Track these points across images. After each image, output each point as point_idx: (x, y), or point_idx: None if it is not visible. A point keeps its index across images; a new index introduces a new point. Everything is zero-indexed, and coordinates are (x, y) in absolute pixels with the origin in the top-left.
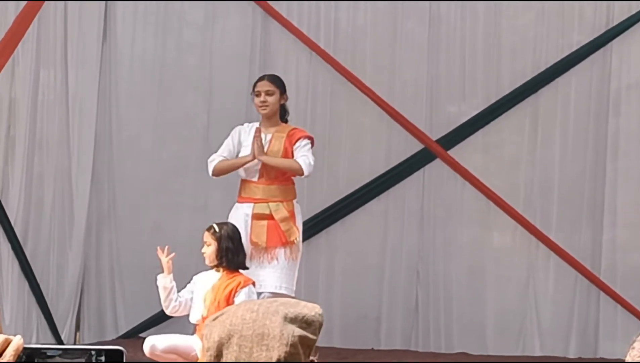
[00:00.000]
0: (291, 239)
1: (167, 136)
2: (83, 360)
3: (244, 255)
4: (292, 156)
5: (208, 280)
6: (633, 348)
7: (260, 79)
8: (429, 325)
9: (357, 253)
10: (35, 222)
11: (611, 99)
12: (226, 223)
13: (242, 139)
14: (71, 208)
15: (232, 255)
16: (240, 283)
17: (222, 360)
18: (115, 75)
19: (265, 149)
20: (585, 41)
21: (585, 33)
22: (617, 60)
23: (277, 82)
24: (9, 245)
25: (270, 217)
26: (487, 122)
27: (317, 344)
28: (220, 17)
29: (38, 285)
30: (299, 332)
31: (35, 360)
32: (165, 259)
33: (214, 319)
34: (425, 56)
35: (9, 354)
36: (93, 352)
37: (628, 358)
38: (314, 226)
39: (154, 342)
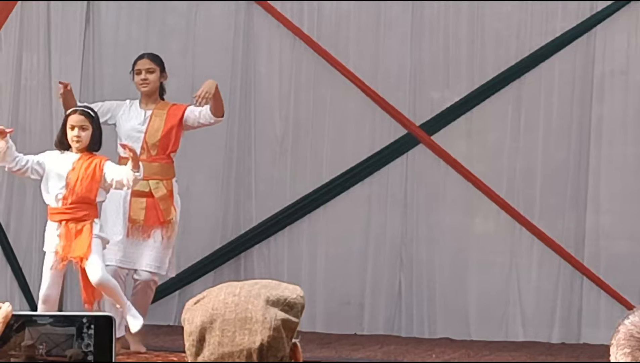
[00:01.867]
0: (168, 218)
1: None
2: (73, 327)
3: None
4: (176, 133)
5: (64, 161)
6: (618, 331)
7: (140, 57)
8: (412, 311)
9: (340, 239)
10: (18, 206)
11: (595, 85)
12: (92, 108)
13: (120, 113)
14: None
15: (100, 139)
16: (101, 159)
17: (204, 345)
18: (99, 60)
19: (146, 126)
20: (569, 27)
21: (569, 19)
22: (601, 46)
23: (157, 61)
24: None
25: (149, 195)
26: (471, 108)
27: (300, 329)
28: (203, 3)
29: (20, 269)
30: (281, 315)
31: (26, 328)
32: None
33: (195, 302)
34: (409, 42)
35: None
36: (84, 320)
37: (613, 342)
38: (297, 212)
39: (44, 295)
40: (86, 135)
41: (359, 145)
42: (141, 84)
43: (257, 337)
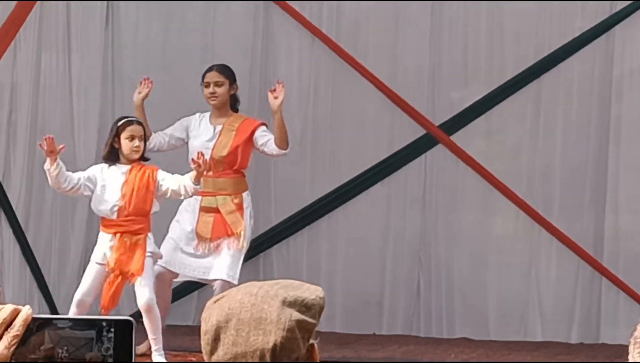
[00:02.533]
0: (237, 231)
1: (170, 120)
2: (93, 331)
3: None
4: (243, 150)
5: (115, 173)
6: (635, 329)
7: (209, 69)
8: (431, 311)
9: (359, 239)
10: (37, 207)
11: (614, 85)
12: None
13: (190, 129)
14: None
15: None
16: (152, 169)
17: (219, 344)
18: (119, 59)
19: (214, 142)
20: (588, 27)
21: (588, 18)
22: (620, 46)
23: (226, 73)
24: (11, 230)
25: (217, 210)
26: (490, 108)
27: (319, 329)
28: (222, 3)
29: (39, 270)
30: (296, 316)
31: (45, 331)
32: (49, 149)
33: (215, 302)
34: (428, 41)
35: (18, 324)
36: (104, 323)
37: (631, 340)
38: (316, 212)
39: (80, 294)
40: (142, 145)
41: (378, 145)
42: (209, 98)
43: (270, 337)
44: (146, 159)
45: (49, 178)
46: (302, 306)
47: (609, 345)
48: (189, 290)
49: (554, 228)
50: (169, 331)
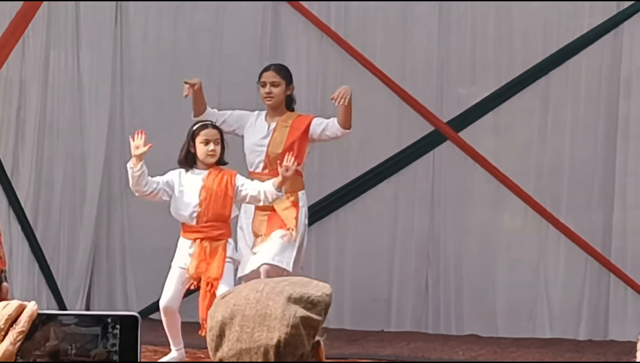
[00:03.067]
0: (290, 226)
1: (179, 119)
2: (99, 327)
3: None
4: (299, 146)
5: (193, 178)
6: None
7: (266, 69)
8: (439, 308)
9: (368, 236)
10: (46, 204)
11: (622, 82)
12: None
13: (247, 126)
14: (82, 190)
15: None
16: (231, 174)
17: (223, 340)
18: (127, 58)
19: (269, 139)
20: (596, 24)
21: (596, 16)
22: (628, 42)
23: (283, 73)
24: (19, 227)
25: (272, 209)
26: (498, 105)
27: (328, 326)
28: (231, 1)
29: (48, 266)
30: (301, 312)
31: (51, 327)
32: (135, 143)
33: (222, 298)
34: (436, 38)
35: (23, 320)
36: (109, 319)
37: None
38: (325, 209)
39: (167, 300)
40: (219, 149)
41: (386, 142)
42: (265, 98)
43: (274, 334)
44: (224, 164)
45: (130, 179)
46: (308, 303)
47: (618, 341)
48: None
49: (562, 224)
50: None
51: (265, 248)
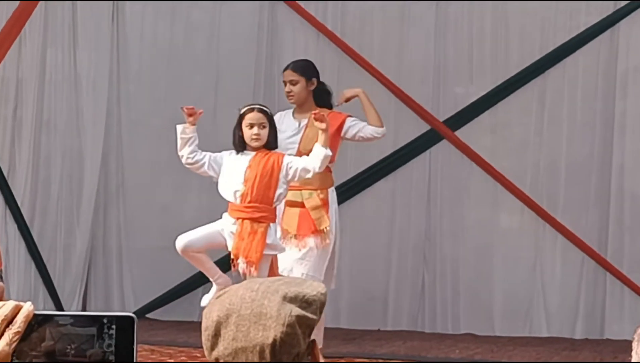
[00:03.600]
0: (321, 227)
1: (176, 117)
2: (94, 327)
3: None
4: (332, 143)
5: (242, 160)
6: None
7: (286, 68)
8: (436, 306)
9: (364, 235)
10: (42, 203)
11: (618, 81)
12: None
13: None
14: (79, 188)
15: (276, 137)
16: (278, 156)
17: (219, 340)
18: (124, 56)
19: (301, 136)
20: (592, 22)
21: (593, 14)
22: (625, 41)
23: (300, 70)
24: (16, 226)
25: (302, 205)
26: (494, 103)
27: (325, 325)
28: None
29: (44, 266)
30: (297, 311)
31: (47, 327)
32: (189, 112)
33: (217, 297)
34: (433, 37)
35: (19, 321)
36: (105, 320)
37: (635, 337)
38: None
39: (188, 240)
40: (265, 133)
41: (383, 141)
42: (288, 97)
43: (270, 333)
44: (274, 147)
45: (179, 141)
46: (303, 302)
47: (614, 340)
48: (193, 286)
49: (559, 223)
50: (174, 327)
51: (299, 263)
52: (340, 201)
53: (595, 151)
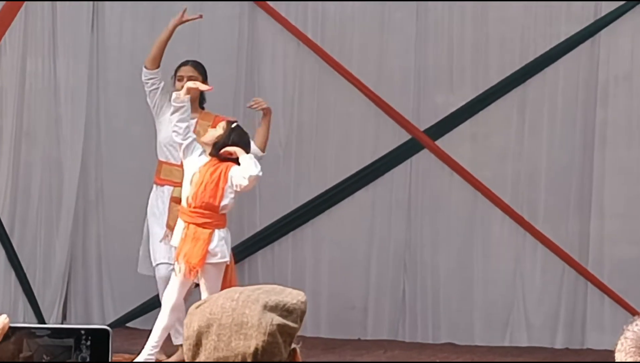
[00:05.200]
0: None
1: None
2: (72, 339)
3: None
4: None
5: (196, 163)
6: (626, 337)
7: (184, 64)
8: (416, 316)
9: (344, 244)
10: (22, 211)
11: (599, 90)
12: (244, 133)
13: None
14: (59, 197)
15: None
16: (228, 166)
17: (201, 349)
18: (104, 64)
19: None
20: (573, 32)
21: (573, 24)
22: (605, 51)
23: (200, 69)
24: None
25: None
26: (475, 113)
27: (304, 334)
28: (208, 7)
29: (25, 274)
30: (277, 320)
31: (24, 339)
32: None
33: (197, 307)
34: (413, 46)
35: None
36: (82, 332)
37: (620, 347)
38: (301, 217)
39: (174, 299)
40: (213, 134)
41: (363, 150)
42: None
43: (252, 342)
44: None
45: (172, 106)
46: (284, 310)
47: (594, 350)
48: None
49: (539, 232)
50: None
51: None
52: (320, 210)
53: (576, 160)
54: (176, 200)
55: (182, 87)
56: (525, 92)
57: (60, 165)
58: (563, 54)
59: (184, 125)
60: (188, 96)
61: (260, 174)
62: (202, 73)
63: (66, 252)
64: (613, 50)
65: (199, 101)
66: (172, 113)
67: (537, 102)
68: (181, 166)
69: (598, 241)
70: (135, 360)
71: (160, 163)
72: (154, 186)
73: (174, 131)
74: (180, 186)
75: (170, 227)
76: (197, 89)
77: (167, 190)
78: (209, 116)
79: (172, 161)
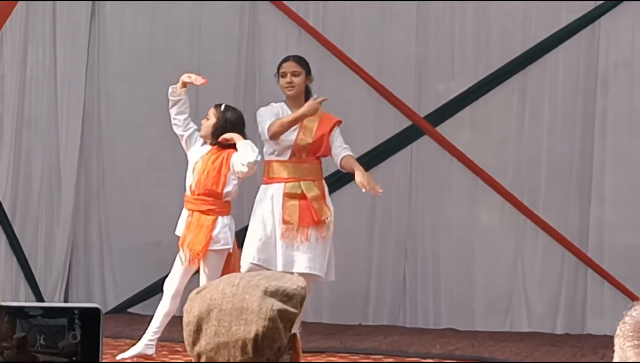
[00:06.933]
0: (322, 218)
1: (156, 114)
2: (65, 319)
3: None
4: (327, 140)
5: (200, 151)
6: (625, 323)
7: (286, 60)
8: (417, 302)
9: (345, 230)
10: (24, 199)
11: (599, 77)
12: (235, 109)
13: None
14: (59, 185)
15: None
16: (229, 152)
17: (201, 335)
18: (105, 53)
19: (298, 130)
20: (573, 19)
21: (573, 10)
22: (605, 37)
23: (303, 63)
24: None
25: (302, 196)
26: (475, 99)
27: (306, 320)
28: None
29: (26, 261)
30: (278, 305)
31: (17, 319)
32: (189, 74)
33: (197, 293)
34: (414, 33)
35: None
36: (75, 311)
37: (619, 333)
38: None
39: (175, 286)
40: (206, 124)
41: (364, 136)
42: (286, 88)
43: (252, 327)
44: (222, 142)
45: (170, 100)
46: (284, 296)
47: (594, 335)
48: None
49: (540, 219)
50: None
51: (302, 255)
52: None
53: (576, 146)
54: (289, 196)
55: (286, 83)
56: (525, 79)
57: (58, 153)
58: (563, 40)
59: (182, 117)
60: (184, 90)
61: (259, 158)
62: (305, 67)
63: (67, 239)
64: (613, 37)
65: (304, 95)
66: (171, 107)
67: (538, 88)
68: (290, 162)
69: (598, 228)
70: (135, 345)
71: (267, 162)
72: (262, 186)
73: (174, 124)
74: (292, 181)
75: (286, 222)
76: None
77: (278, 187)
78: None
79: (284, 158)
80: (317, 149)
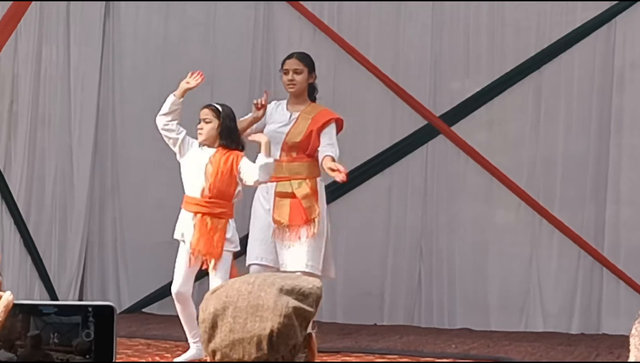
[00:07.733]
0: (312, 216)
1: None
2: (79, 316)
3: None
4: (314, 136)
5: (203, 154)
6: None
7: (289, 57)
8: (432, 301)
9: (361, 230)
10: (38, 197)
11: (615, 76)
12: (225, 104)
13: (267, 116)
14: (73, 184)
15: (232, 134)
16: (237, 155)
17: (216, 331)
18: (119, 52)
19: (289, 128)
20: (589, 18)
21: (589, 10)
22: (621, 37)
23: (306, 61)
24: (12, 220)
25: (292, 195)
26: (491, 99)
27: (321, 319)
28: None
29: (41, 259)
30: (293, 303)
31: (30, 317)
32: (187, 79)
33: (212, 292)
34: (429, 32)
35: None
36: (89, 309)
37: (633, 332)
38: None
39: (178, 285)
40: (209, 128)
41: (379, 136)
42: (288, 85)
43: (267, 324)
44: (228, 144)
45: (166, 107)
46: (299, 294)
47: (610, 335)
48: None
49: (555, 218)
50: (169, 321)
51: (295, 254)
52: (336, 196)
53: (592, 146)
54: (280, 194)
55: (288, 80)
56: (540, 78)
57: (71, 151)
58: (579, 40)
59: (175, 122)
60: (180, 100)
61: (267, 179)
62: (308, 65)
63: (82, 237)
64: (629, 36)
65: (307, 93)
66: (166, 114)
67: (553, 88)
68: (282, 160)
69: (614, 227)
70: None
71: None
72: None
73: (168, 129)
74: (284, 180)
75: (276, 221)
76: (196, 85)
77: (270, 185)
78: (315, 108)
79: (274, 156)
80: (305, 148)
